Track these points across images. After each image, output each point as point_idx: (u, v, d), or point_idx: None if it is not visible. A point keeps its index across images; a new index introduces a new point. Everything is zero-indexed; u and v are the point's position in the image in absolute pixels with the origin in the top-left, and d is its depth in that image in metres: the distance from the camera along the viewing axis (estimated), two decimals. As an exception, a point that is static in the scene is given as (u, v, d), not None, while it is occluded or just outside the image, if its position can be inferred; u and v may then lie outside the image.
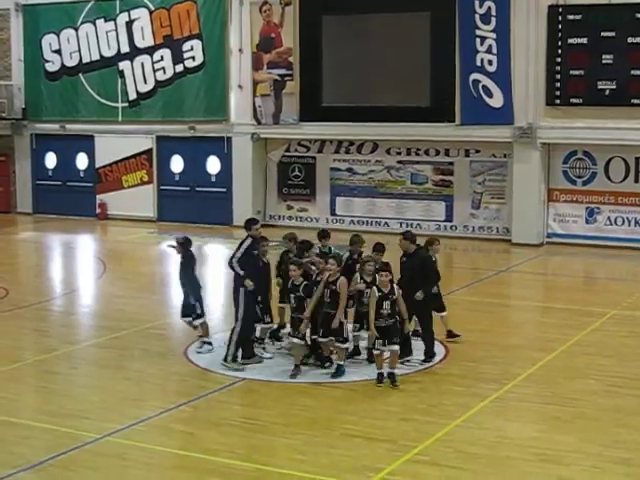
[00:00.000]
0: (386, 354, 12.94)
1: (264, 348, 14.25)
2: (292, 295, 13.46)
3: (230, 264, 13.76)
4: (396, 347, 12.74)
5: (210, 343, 14.63)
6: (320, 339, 13.37)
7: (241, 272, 13.60)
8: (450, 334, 14.97)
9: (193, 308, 14.65)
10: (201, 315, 14.71)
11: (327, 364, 13.54)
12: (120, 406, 12.29)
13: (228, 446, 10.78)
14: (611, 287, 20.90)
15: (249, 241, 13.87)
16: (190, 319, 14.75)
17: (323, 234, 15.28)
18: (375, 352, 12.99)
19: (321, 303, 13.24)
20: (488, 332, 15.82)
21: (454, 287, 19.29)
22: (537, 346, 15.16)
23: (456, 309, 16.27)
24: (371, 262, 13.44)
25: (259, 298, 14.07)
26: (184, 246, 14.89)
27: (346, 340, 13.32)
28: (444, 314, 14.98)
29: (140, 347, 14.84)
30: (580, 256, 24.32)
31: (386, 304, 12.73)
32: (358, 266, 13.78)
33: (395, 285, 12.94)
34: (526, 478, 9.88)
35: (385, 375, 12.86)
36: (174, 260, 25.15)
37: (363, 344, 14.10)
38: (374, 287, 12.89)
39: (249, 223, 14.19)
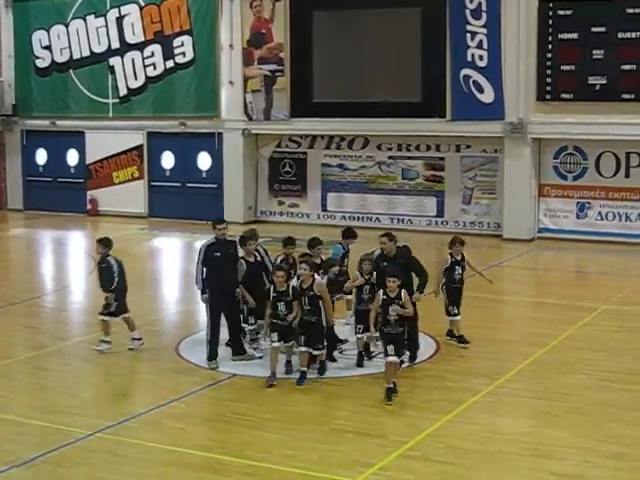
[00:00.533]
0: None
1: (255, 348, 14.20)
2: (281, 302, 12.75)
3: (196, 286, 13.86)
4: (403, 358, 12.45)
5: (108, 342, 14.41)
6: (301, 348, 12.80)
7: (203, 295, 13.67)
8: (449, 333, 14.83)
9: (108, 306, 14.41)
10: (113, 314, 14.45)
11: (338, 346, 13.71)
12: (112, 402, 12.30)
13: (219, 442, 10.78)
14: (602, 282, 20.92)
15: (204, 248, 13.73)
16: (126, 315, 14.60)
17: (348, 234, 15.11)
18: (391, 359, 12.07)
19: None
20: (479, 327, 15.78)
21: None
22: (528, 341, 15.18)
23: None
24: (368, 262, 13.36)
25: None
26: (106, 246, 14.53)
27: (324, 347, 13.03)
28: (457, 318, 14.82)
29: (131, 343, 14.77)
30: (571, 251, 24.33)
31: (392, 309, 12.16)
32: (357, 264, 13.57)
33: (403, 290, 12.30)
34: (518, 473, 9.89)
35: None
36: (165, 256, 25.41)
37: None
38: (380, 290, 12.42)
39: (213, 223, 14.01)
